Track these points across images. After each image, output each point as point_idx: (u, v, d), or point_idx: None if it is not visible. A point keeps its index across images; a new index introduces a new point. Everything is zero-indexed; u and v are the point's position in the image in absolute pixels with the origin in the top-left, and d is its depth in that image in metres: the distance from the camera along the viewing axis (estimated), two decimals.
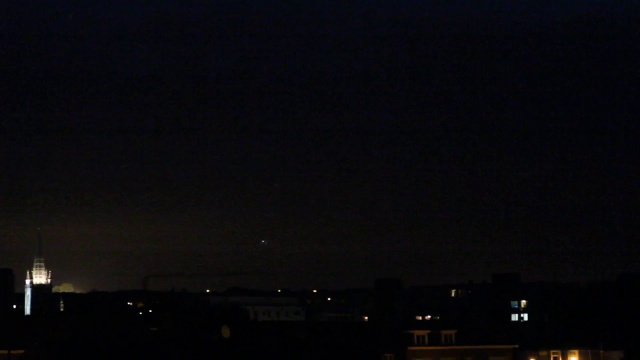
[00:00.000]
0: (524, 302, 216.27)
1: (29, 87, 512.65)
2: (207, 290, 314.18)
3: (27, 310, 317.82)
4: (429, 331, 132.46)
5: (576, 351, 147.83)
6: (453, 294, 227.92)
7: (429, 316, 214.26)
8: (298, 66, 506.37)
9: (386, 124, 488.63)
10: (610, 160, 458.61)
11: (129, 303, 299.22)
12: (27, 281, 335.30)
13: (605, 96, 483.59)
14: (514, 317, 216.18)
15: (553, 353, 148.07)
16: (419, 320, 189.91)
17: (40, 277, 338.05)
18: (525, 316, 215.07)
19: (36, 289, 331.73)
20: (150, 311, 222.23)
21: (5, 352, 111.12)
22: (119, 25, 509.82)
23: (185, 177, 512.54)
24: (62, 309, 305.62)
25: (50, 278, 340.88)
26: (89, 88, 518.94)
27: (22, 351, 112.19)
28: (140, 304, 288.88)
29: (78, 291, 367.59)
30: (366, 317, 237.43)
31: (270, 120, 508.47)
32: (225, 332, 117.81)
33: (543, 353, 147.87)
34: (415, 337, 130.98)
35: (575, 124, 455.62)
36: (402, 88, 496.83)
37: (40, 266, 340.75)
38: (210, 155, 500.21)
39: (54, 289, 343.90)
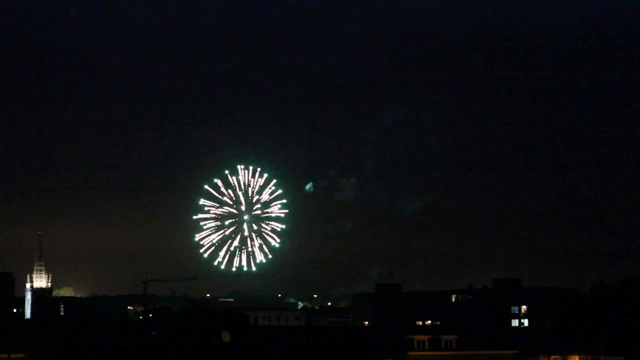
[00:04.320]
0: (524, 307, 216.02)
1: (29, 86, 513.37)
2: (208, 295, 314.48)
3: (28, 314, 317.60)
4: (429, 336, 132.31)
5: (577, 357, 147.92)
6: (453, 299, 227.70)
7: (429, 321, 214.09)
8: (298, 66, 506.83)
9: (387, 124, 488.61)
10: (611, 164, 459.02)
11: (129, 307, 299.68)
12: (28, 285, 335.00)
13: (606, 97, 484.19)
14: (515, 322, 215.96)
15: (553, 358, 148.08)
16: (419, 325, 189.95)
17: (40, 281, 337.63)
18: (526, 321, 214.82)
19: (36, 292, 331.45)
20: (150, 315, 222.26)
21: (5, 355, 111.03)
22: (119, 25, 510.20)
23: (185, 176, 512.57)
24: (62, 313, 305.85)
25: (51, 282, 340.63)
26: (89, 88, 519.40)
27: (22, 355, 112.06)
28: (140, 308, 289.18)
29: (78, 295, 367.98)
30: (366, 322, 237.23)
31: (270, 120, 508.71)
32: (226, 336, 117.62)
33: (543, 358, 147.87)
34: (416, 342, 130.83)
35: (577, 127, 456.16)
36: (404, 89, 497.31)
37: (40, 270, 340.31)
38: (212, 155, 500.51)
39: (55, 293, 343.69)
